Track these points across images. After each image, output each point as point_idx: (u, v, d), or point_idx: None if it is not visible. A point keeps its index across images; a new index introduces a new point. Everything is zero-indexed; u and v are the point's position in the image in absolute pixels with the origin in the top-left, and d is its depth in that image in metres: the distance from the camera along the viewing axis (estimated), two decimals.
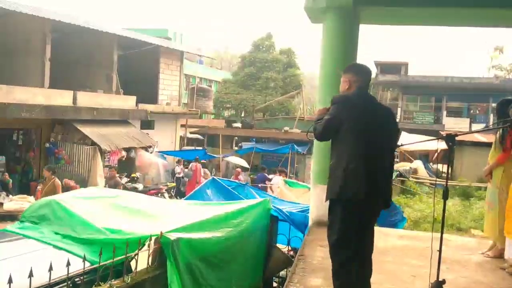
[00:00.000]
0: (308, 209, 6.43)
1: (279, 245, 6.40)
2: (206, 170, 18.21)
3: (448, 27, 7.74)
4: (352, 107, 3.36)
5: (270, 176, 17.03)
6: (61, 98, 14.66)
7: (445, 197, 3.51)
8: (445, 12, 6.11)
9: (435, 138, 3.83)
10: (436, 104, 30.54)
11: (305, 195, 9.70)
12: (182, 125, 22.99)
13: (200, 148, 23.43)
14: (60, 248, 4.29)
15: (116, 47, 17.42)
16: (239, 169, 18.97)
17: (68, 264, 3.33)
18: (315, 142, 6.20)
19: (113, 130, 16.18)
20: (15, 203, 11.54)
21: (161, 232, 4.13)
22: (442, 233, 3.52)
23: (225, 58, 62.06)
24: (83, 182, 13.90)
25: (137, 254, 4.04)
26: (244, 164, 20.29)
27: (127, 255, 3.84)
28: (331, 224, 3.33)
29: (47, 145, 15.10)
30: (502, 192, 4.67)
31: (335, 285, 3.29)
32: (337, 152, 3.34)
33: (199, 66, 36.58)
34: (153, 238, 4.16)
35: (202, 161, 20.58)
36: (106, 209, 5.03)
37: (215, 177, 8.95)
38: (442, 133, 17.83)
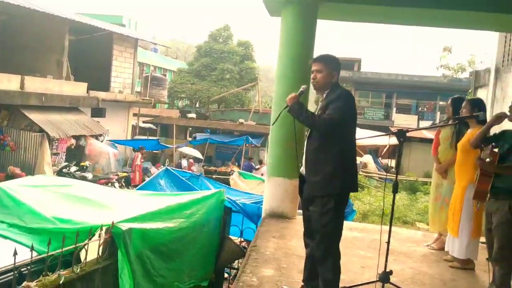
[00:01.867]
0: (261, 201, 6.48)
1: (232, 237, 6.42)
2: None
3: (403, 25, 7.98)
4: (354, 103, 3.48)
5: (257, 166, 17.48)
6: (8, 82, 14.04)
7: (395, 190, 3.63)
8: (401, 11, 6.30)
9: (387, 133, 3.95)
10: (386, 101, 31.42)
11: (258, 187, 9.79)
12: (134, 114, 22.58)
13: (153, 138, 23.11)
14: (6, 237, 4.13)
15: (67, 32, 16.84)
16: (191, 160, 18.88)
17: (15, 253, 3.22)
18: (271, 134, 6.24)
19: (63, 117, 15.68)
20: None
21: (113, 222, 4.05)
22: (390, 225, 3.64)
23: (181, 48, 61.37)
24: (30, 170, 13.43)
25: (87, 244, 3.95)
26: (198, 155, 20.21)
27: (77, 245, 3.75)
28: (331, 217, 3.31)
29: None
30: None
31: (334, 272, 3.35)
32: (338, 146, 3.33)
33: (153, 54, 35.94)
34: (104, 228, 4.07)
35: (155, 151, 20.37)
36: (56, 198, 4.88)
37: (168, 167, 8.86)
38: (392, 129, 18.38)
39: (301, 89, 3.59)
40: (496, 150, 3.86)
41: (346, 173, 3.36)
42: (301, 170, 3.58)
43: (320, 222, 3.32)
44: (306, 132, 3.65)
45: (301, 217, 3.68)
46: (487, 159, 3.81)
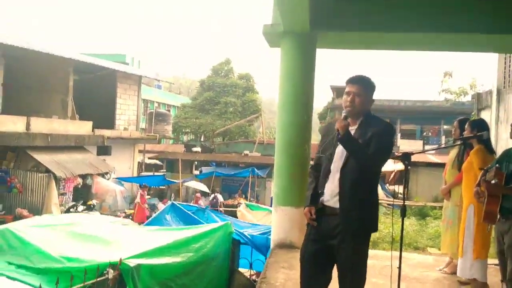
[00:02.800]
0: (269, 231, 6.43)
1: (241, 269, 6.36)
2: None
3: (403, 51, 8.09)
4: None
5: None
6: (14, 124, 14.19)
7: (403, 214, 3.59)
8: (400, 37, 6.38)
9: (392, 157, 3.94)
10: None
11: (265, 217, 9.73)
12: (140, 151, 22.65)
13: (159, 173, 23.13)
14: (14, 279, 4.11)
15: (71, 72, 17.11)
16: (198, 194, 18.82)
17: None
18: (276, 165, 6.24)
19: (69, 156, 15.76)
20: None
21: (120, 259, 4.04)
22: (401, 250, 3.59)
23: (184, 84, 62.11)
24: (37, 211, 13.39)
25: (96, 282, 3.92)
26: (204, 188, 20.17)
27: (85, 283, 3.73)
28: (364, 257, 3.15)
29: None
30: (462, 210, 4.81)
31: None
32: (375, 179, 3.24)
33: (157, 91, 36.37)
34: (112, 265, 4.05)
35: (161, 187, 20.33)
36: (63, 237, 4.87)
37: (174, 202, 8.84)
38: (396, 153, 18.32)
39: (344, 113, 3.23)
40: (500, 170, 3.83)
41: (377, 209, 3.26)
42: (325, 200, 3.20)
43: (353, 261, 3.07)
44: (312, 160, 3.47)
45: None
46: (493, 181, 3.77)
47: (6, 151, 14.67)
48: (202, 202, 17.08)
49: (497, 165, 3.88)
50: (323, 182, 3.21)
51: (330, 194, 3.15)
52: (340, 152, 3.15)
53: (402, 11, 6.00)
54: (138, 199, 16.56)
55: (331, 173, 3.16)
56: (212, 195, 19.85)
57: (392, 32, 6.17)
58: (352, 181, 3.07)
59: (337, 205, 3.10)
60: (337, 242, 3.08)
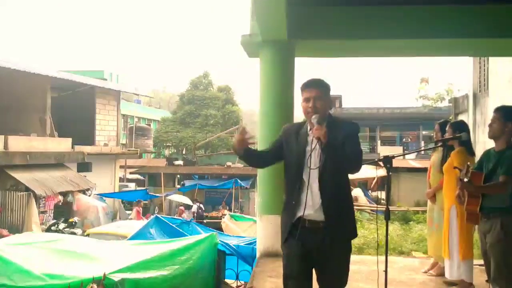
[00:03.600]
0: (255, 242, 6.41)
1: (228, 280, 6.32)
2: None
3: (380, 57, 8.21)
4: None
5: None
6: None
7: (387, 217, 3.62)
8: (377, 43, 6.47)
9: (373, 160, 3.97)
10: (370, 134, 31.76)
11: (250, 228, 9.69)
12: (121, 166, 22.46)
13: (141, 188, 22.92)
14: None
15: (49, 89, 16.95)
16: (182, 207, 18.70)
17: None
18: (259, 174, 6.23)
19: (48, 174, 15.53)
20: None
21: (104, 274, 3.98)
22: (386, 254, 3.61)
23: (164, 98, 61.92)
24: (18, 231, 13.10)
25: None
26: (188, 201, 20.06)
27: None
28: (349, 264, 3.13)
29: None
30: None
31: None
32: (349, 181, 3.21)
33: (136, 105, 36.18)
34: (96, 281, 3.98)
35: (143, 201, 20.14)
36: (45, 254, 4.78)
37: (158, 215, 8.76)
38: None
39: (315, 119, 3.03)
40: (471, 168, 3.86)
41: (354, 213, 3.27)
42: (306, 214, 3.00)
43: (340, 270, 3.05)
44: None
45: None
46: (465, 179, 3.81)
47: None
48: (186, 215, 16.95)
49: (468, 164, 3.92)
50: (296, 193, 3.04)
51: (312, 206, 2.98)
52: (313, 161, 2.99)
53: (380, 18, 6.09)
54: (133, 215, 16.39)
55: (307, 185, 3.00)
56: (196, 205, 19.70)
57: (370, 39, 6.26)
58: (332, 189, 2.97)
59: (320, 218, 2.96)
60: (325, 254, 2.97)
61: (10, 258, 4.44)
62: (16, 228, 13.42)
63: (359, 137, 3.10)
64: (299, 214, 3.00)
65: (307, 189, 2.99)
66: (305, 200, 2.97)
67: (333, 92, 3.34)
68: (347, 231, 3.04)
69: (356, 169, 3.00)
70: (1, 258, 4.44)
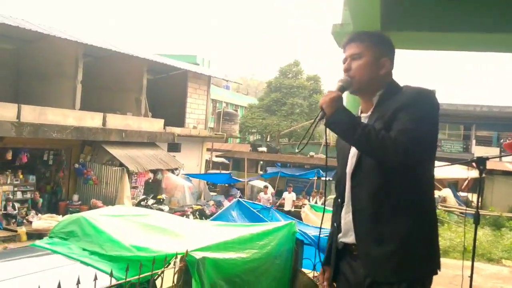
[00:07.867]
0: None
1: (304, 270, 6.31)
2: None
3: (477, 52, 7.71)
4: (438, 112, 1.97)
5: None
6: (91, 120, 15.01)
7: (476, 222, 3.43)
8: (474, 37, 6.07)
9: (466, 161, 3.77)
10: (465, 133, 30.06)
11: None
12: (208, 149, 23.16)
13: (225, 171, 23.52)
14: (88, 264, 4.33)
15: (145, 72, 17.82)
16: (260, 196, 18.94)
17: (95, 278, 3.36)
18: None
19: (141, 152, 16.42)
20: (44, 221, 11.76)
21: (187, 251, 4.13)
22: (473, 259, 3.44)
23: (251, 84, 62.76)
24: (111, 203, 14.06)
25: (163, 272, 4.05)
26: (270, 189, 20.23)
27: (153, 272, 3.85)
28: None
29: (77, 165, 15.41)
30: None
31: None
32: (417, 187, 1.95)
33: (225, 91, 37.03)
34: (179, 257, 4.16)
35: (226, 184, 20.65)
36: (134, 227, 5.06)
37: (240, 199, 8.95)
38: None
39: (341, 83, 2.04)
40: None
41: (435, 236, 1.99)
42: (341, 235, 2.15)
43: None
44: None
45: None
46: None
47: (84, 145, 15.53)
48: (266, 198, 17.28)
49: None
50: (338, 207, 2.20)
51: (344, 224, 2.11)
52: (351, 160, 2.09)
53: (478, 11, 5.71)
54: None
55: (345, 192, 2.13)
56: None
57: (466, 32, 5.89)
58: (371, 194, 1.94)
59: (350, 240, 2.06)
60: None
61: (103, 228, 4.76)
62: (110, 201, 14.37)
63: (425, 105, 1.89)
64: (339, 238, 2.18)
65: (345, 198, 2.13)
66: (341, 214, 2.14)
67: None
68: (393, 263, 1.89)
69: (398, 162, 1.82)
70: (94, 228, 4.77)
